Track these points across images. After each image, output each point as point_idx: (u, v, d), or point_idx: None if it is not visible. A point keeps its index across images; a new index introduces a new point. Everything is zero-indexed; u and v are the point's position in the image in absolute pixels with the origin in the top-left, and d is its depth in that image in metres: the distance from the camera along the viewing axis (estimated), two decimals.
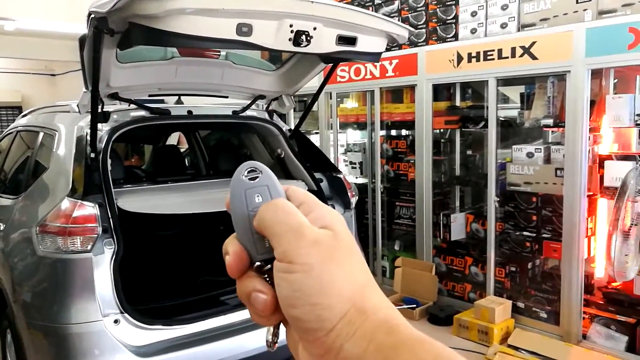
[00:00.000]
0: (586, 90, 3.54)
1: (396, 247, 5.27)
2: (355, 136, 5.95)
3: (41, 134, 3.16)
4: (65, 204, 2.37)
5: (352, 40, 2.32)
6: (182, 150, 4.59)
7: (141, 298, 2.56)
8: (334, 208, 3.07)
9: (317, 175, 3.23)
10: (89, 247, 2.30)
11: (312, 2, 2.14)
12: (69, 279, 2.30)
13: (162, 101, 3.29)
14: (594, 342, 3.71)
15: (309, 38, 2.15)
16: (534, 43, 3.76)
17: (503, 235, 4.26)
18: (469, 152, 5.08)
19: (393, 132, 5.34)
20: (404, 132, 5.27)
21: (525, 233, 4.13)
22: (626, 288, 3.77)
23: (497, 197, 4.22)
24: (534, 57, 3.78)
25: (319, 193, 3.17)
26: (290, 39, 2.14)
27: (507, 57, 3.94)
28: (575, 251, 3.69)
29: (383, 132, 5.20)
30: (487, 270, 4.31)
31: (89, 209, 2.33)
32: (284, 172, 3.41)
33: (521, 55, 3.85)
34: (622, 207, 2.68)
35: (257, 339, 2.56)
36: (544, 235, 4.03)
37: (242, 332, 2.54)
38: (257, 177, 0.55)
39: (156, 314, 2.48)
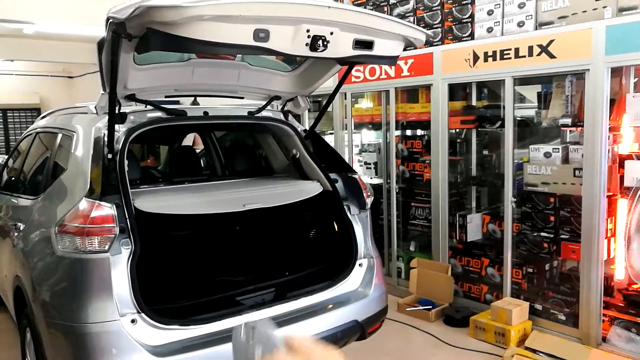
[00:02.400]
0: (606, 88, 3.49)
1: (411, 248, 5.24)
2: (369, 136, 5.93)
3: (60, 135, 3.20)
4: (83, 205, 2.39)
5: (369, 44, 2.32)
6: (197, 151, 4.62)
7: (157, 298, 2.58)
8: (349, 209, 3.07)
9: (332, 175, 3.23)
10: (107, 247, 2.32)
11: (328, 7, 2.14)
12: (87, 279, 2.32)
13: (177, 102, 3.31)
14: (614, 345, 3.65)
15: (325, 43, 2.16)
16: (552, 41, 3.71)
17: (520, 236, 4.21)
18: (485, 152, 5.03)
19: (408, 132, 5.31)
20: (419, 132, 5.23)
21: (542, 234, 4.08)
22: None
23: (514, 197, 4.16)
24: (552, 56, 3.73)
25: (334, 193, 3.16)
26: (307, 44, 2.15)
27: (525, 56, 3.89)
28: (595, 252, 3.63)
29: (398, 132, 5.17)
30: (503, 271, 4.26)
31: (107, 209, 2.35)
32: (299, 172, 3.41)
33: (539, 54, 3.80)
34: None
35: None
36: (562, 236, 3.97)
37: None
38: (254, 334, 0.62)
39: (173, 314, 2.49)
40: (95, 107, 2.71)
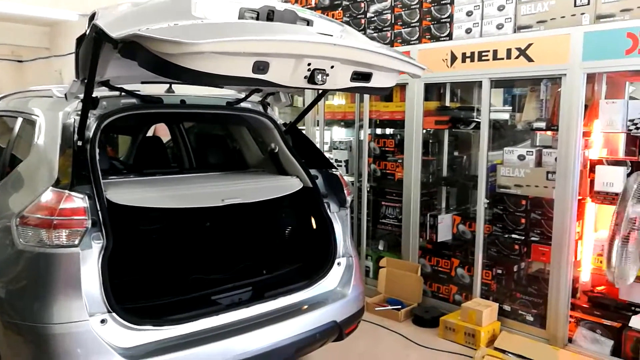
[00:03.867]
0: (582, 94, 3.54)
1: (380, 247, 5.21)
2: (340, 134, 5.86)
3: (19, 120, 2.96)
4: (50, 195, 2.20)
5: (367, 77, 2.30)
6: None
7: (128, 296, 2.41)
8: (329, 206, 2.99)
9: (312, 171, 3.13)
10: (76, 241, 2.14)
11: (334, 44, 2.08)
12: (52, 275, 2.13)
13: (172, 92, 3.11)
14: (580, 346, 3.72)
15: (325, 76, 2.12)
16: (530, 45, 3.75)
17: (491, 238, 4.24)
18: (456, 154, 5.05)
19: (379, 131, 5.27)
20: (391, 131, 5.21)
21: (513, 236, 4.12)
22: (611, 292, 3.80)
23: (487, 199, 4.19)
24: (529, 59, 3.76)
25: (314, 190, 3.06)
26: (305, 77, 2.10)
27: (503, 59, 3.91)
28: (565, 255, 3.69)
29: (370, 131, 5.12)
30: (474, 272, 4.29)
31: (78, 200, 2.17)
32: (276, 167, 3.29)
33: (517, 57, 3.83)
34: (623, 212, 2.67)
35: (251, 341, 2.44)
36: (533, 239, 4.02)
37: (236, 334, 2.42)
38: None
39: (146, 314, 2.33)
40: (65, 94, 2.51)
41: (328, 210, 3.04)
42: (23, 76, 11.98)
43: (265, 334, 2.47)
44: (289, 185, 3.03)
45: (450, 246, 4.64)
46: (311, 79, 2.10)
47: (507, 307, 4.15)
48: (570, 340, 3.76)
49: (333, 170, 3.15)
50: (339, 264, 3.03)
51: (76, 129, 2.38)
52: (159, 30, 1.75)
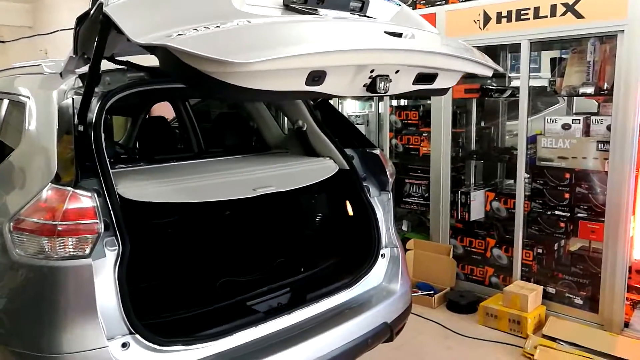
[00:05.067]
0: None
1: (404, 228, 4.85)
2: (353, 106, 5.44)
3: (4, 103, 2.52)
4: (50, 194, 1.78)
5: (431, 78, 1.98)
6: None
7: (149, 309, 2.02)
8: (368, 190, 2.60)
9: (348, 151, 2.73)
10: (87, 250, 1.73)
11: (406, 50, 1.75)
12: (59, 293, 1.73)
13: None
14: (638, 331, 3.41)
15: (387, 84, 1.79)
16: None
17: (532, 215, 3.89)
18: (482, 124, 4.66)
19: (400, 102, 4.85)
20: (414, 102, 4.79)
21: (557, 212, 3.77)
22: None
23: (527, 173, 3.82)
24: (579, 16, 3.34)
25: (351, 172, 2.67)
26: (365, 85, 1.78)
27: (546, 16, 3.49)
28: (622, 233, 3.34)
29: (390, 102, 4.70)
30: (513, 253, 3.94)
31: (86, 199, 1.75)
32: (304, 148, 2.88)
33: (563, 14, 3.41)
34: None
35: (298, 356, 2.07)
36: (580, 215, 3.67)
37: (281, 348, 2.05)
38: None
39: (173, 330, 1.95)
40: (60, 73, 2.08)
41: (368, 195, 2.65)
42: (6, 58, 11.31)
43: (314, 345, 2.11)
44: (324, 168, 2.62)
45: (484, 225, 4.28)
46: (371, 87, 1.78)
47: (551, 290, 3.82)
48: (626, 325, 3.45)
49: (372, 149, 2.74)
50: (382, 255, 2.65)
51: (76, 111, 1.95)
52: (198, 41, 1.37)
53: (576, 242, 3.91)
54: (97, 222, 1.74)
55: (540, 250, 3.92)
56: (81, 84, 2.12)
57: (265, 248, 2.83)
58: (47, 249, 1.72)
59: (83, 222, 1.72)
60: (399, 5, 2.12)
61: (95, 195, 1.76)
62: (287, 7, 1.77)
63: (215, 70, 1.37)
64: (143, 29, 1.43)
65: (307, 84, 1.59)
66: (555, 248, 3.92)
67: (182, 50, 1.31)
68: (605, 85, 3.56)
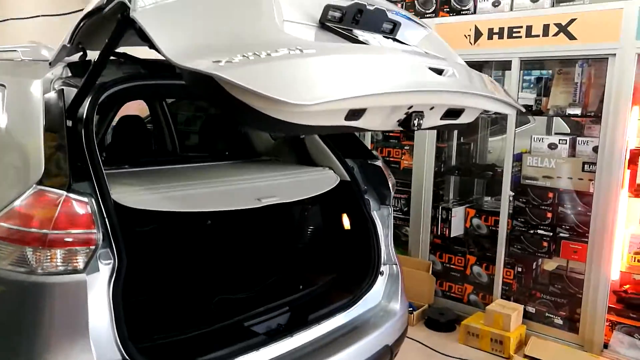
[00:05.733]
0: (632, 77, 3.18)
1: None
2: None
3: None
4: (34, 198, 1.54)
5: (457, 114, 1.94)
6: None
7: (141, 329, 1.79)
8: (368, 204, 2.47)
9: (347, 161, 2.59)
10: (82, 264, 1.50)
11: (448, 91, 1.69)
12: (43, 314, 1.49)
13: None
14: (617, 352, 3.43)
15: (420, 120, 1.74)
16: (572, 20, 3.34)
17: (514, 233, 3.87)
18: (462, 139, 4.64)
19: None
20: None
21: (539, 232, 3.77)
22: None
23: (512, 191, 3.80)
24: (571, 37, 3.36)
25: (352, 184, 2.53)
26: (399, 120, 1.72)
27: (538, 35, 3.50)
28: (607, 254, 3.36)
29: None
30: (495, 271, 3.91)
31: (81, 206, 1.52)
32: (297, 156, 2.72)
33: (555, 34, 3.42)
34: None
35: None
36: (562, 235, 3.68)
37: None
38: None
39: (169, 355, 1.73)
40: (50, 62, 1.84)
41: (369, 209, 2.52)
42: None
43: None
44: (326, 179, 2.47)
45: (463, 241, 4.24)
46: (405, 123, 1.71)
47: (530, 309, 3.81)
48: (605, 346, 3.46)
49: (374, 160, 2.62)
50: (381, 273, 2.52)
51: (66, 105, 1.71)
52: (252, 73, 1.21)
53: (553, 262, 3.92)
54: (95, 232, 1.52)
55: (520, 269, 3.91)
56: (70, 74, 1.89)
57: (258, 261, 2.64)
58: (31, 261, 1.48)
59: (78, 231, 1.49)
60: (425, 28, 2.05)
61: (93, 201, 1.54)
62: (323, 26, 1.69)
63: (266, 107, 1.23)
64: (184, 49, 1.25)
65: (346, 119, 1.49)
66: (534, 267, 3.92)
67: (238, 85, 1.15)
68: (589, 108, 3.61)
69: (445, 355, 3.57)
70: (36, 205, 1.52)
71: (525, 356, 3.47)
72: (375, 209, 2.58)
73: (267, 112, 1.25)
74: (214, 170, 2.42)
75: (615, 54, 3.21)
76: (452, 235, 4.22)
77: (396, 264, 2.59)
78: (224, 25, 1.41)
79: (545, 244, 3.72)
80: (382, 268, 2.53)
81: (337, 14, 1.71)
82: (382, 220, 2.59)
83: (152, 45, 1.30)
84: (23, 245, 1.47)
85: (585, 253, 3.52)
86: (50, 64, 1.81)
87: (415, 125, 1.70)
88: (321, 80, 1.31)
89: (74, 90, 1.79)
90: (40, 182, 1.55)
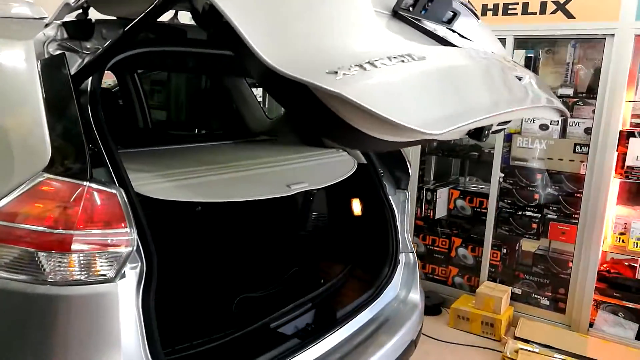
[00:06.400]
0: (630, 58, 3.16)
1: None
2: None
3: None
4: (45, 189, 1.23)
5: (507, 121, 1.90)
6: None
7: (163, 339, 1.53)
8: (385, 188, 2.30)
9: None
10: (112, 271, 1.22)
11: (531, 107, 1.61)
12: (59, 336, 1.20)
13: None
14: (602, 331, 3.49)
15: (489, 131, 1.63)
16: None
17: (502, 215, 3.83)
18: None
19: None
20: None
21: (527, 213, 3.75)
22: (625, 272, 3.61)
23: (502, 172, 3.75)
24: (569, 15, 3.30)
25: (369, 167, 2.33)
26: (470, 131, 1.59)
27: (535, 13, 3.41)
28: (597, 236, 3.38)
29: None
30: (481, 253, 3.87)
31: (108, 198, 1.23)
32: (305, 137, 2.48)
33: (553, 12, 3.34)
34: None
35: None
36: (550, 216, 3.68)
37: None
38: None
39: None
40: (47, 23, 1.50)
41: (387, 193, 2.34)
42: None
43: None
44: (344, 161, 2.26)
45: (447, 223, 4.17)
46: (476, 134, 1.58)
47: (517, 291, 3.80)
48: (590, 325, 3.51)
49: None
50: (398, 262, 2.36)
51: (70, 71, 1.39)
52: (369, 90, 0.98)
53: (534, 243, 3.93)
54: (128, 231, 1.23)
55: (505, 251, 3.89)
56: (66, 35, 1.55)
57: (272, 252, 2.40)
58: (45, 269, 1.18)
59: (109, 231, 1.20)
60: (476, 17, 1.88)
61: (123, 192, 1.25)
62: (395, 15, 1.48)
63: (377, 129, 1.03)
64: (285, 51, 0.99)
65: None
66: (522, 248, 3.92)
67: (362, 107, 0.91)
68: (579, 89, 3.59)
69: (438, 340, 3.50)
70: (47, 199, 1.21)
71: (516, 338, 3.46)
72: (391, 193, 2.40)
73: (372, 133, 1.04)
74: (221, 151, 2.15)
75: (613, 34, 3.17)
76: (436, 217, 4.14)
77: (413, 252, 2.44)
78: (317, 16, 1.14)
79: (534, 225, 3.71)
80: (400, 256, 2.37)
81: (411, 1, 1.51)
82: (398, 205, 2.41)
83: (216, 34, 1.03)
84: (27, 247, 1.17)
85: (573, 234, 3.53)
86: (45, 25, 1.47)
87: (485, 135, 1.57)
88: (443, 99, 1.12)
89: (75, 56, 1.47)
90: (48, 169, 1.24)
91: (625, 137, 3.34)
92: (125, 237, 1.23)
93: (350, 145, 1.70)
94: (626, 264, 3.65)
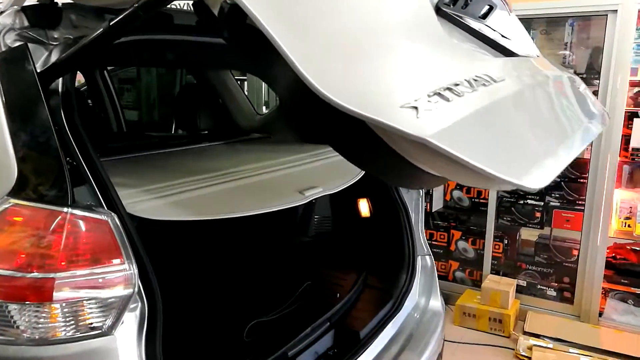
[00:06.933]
0: (633, 35, 3.01)
1: None
2: None
3: None
4: (15, 215, 0.95)
5: None
6: None
7: None
8: (397, 187, 2.07)
9: None
10: (109, 319, 0.95)
11: None
12: None
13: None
14: (612, 319, 3.37)
15: None
16: None
17: (503, 205, 3.67)
18: None
19: None
20: None
21: (529, 202, 3.59)
22: (631, 257, 3.50)
23: None
24: None
25: None
26: None
27: None
28: (605, 222, 3.24)
29: None
30: (483, 245, 3.70)
31: (98, 226, 0.96)
32: (303, 134, 2.23)
33: None
34: None
35: None
36: (552, 204, 3.53)
37: None
38: None
39: None
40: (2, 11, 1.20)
41: (400, 193, 2.11)
42: None
43: None
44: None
45: (444, 216, 3.98)
46: None
47: (522, 282, 3.65)
48: (600, 314, 3.39)
49: None
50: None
51: (35, 66, 1.11)
52: (458, 132, 0.73)
53: (534, 232, 3.78)
54: (126, 266, 0.96)
55: (507, 242, 3.73)
56: (26, 23, 1.25)
57: (279, 264, 2.13)
58: (18, 325, 0.91)
59: (100, 269, 0.93)
60: (507, 9, 1.63)
61: (115, 217, 0.98)
62: (438, 11, 1.22)
63: (463, 178, 0.80)
64: (337, 73, 0.73)
65: None
66: (522, 237, 3.76)
67: (462, 160, 0.67)
68: (577, 70, 3.43)
69: (445, 340, 3.31)
70: (15, 232, 0.93)
71: (526, 333, 3.31)
72: (403, 192, 2.17)
73: (446, 176, 0.83)
74: (214, 155, 1.87)
75: (616, 10, 3.01)
76: (433, 210, 3.94)
77: (430, 255, 2.22)
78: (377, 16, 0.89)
79: (537, 214, 3.55)
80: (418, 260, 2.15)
81: None
82: (411, 204, 2.19)
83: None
84: (9, 301, 0.89)
85: (578, 221, 3.39)
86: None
87: None
88: (533, 135, 0.90)
89: (40, 48, 1.18)
90: (15, 194, 0.96)
91: (627, 118, 3.21)
92: (122, 275, 0.96)
93: (402, 184, 1.47)
94: (629, 248, 3.54)
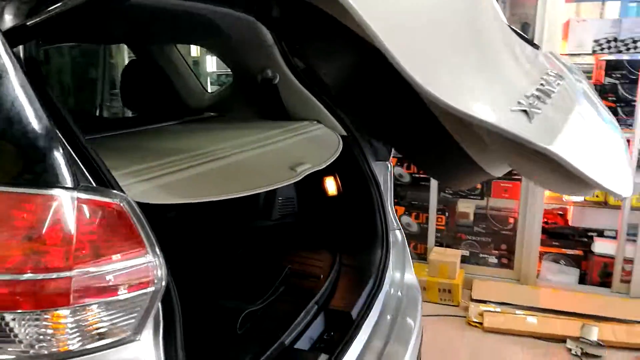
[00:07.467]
0: (563, 7, 3.17)
1: None
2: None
3: None
4: (4, 203, 0.76)
5: None
6: None
7: None
8: (369, 160, 2.04)
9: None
10: (133, 324, 0.79)
11: None
12: None
13: None
14: (548, 280, 3.60)
15: None
16: None
17: None
18: None
19: None
20: None
21: None
22: (559, 221, 3.74)
23: None
24: None
25: (351, 138, 2.02)
26: None
27: None
28: (541, 190, 3.42)
29: None
30: (427, 219, 3.78)
31: (109, 209, 0.79)
32: (264, 109, 2.10)
33: None
34: None
35: None
36: None
37: None
38: None
39: None
40: None
41: (372, 167, 2.06)
42: None
43: None
44: (327, 135, 1.92)
45: None
46: None
47: (465, 252, 3.78)
48: (537, 276, 3.60)
49: None
50: None
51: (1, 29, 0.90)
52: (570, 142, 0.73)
53: (469, 203, 3.92)
54: (151, 258, 0.80)
55: (448, 214, 3.83)
56: None
57: (252, 247, 1.99)
58: (19, 338, 0.73)
59: (119, 264, 0.76)
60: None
61: (126, 204, 0.81)
62: None
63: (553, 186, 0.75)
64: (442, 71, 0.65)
65: None
66: (459, 209, 3.88)
67: (581, 174, 0.61)
68: None
69: None
70: (6, 224, 0.74)
71: (473, 300, 3.43)
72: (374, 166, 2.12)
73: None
74: (182, 135, 1.70)
75: None
76: None
77: (400, 229, 2.19)
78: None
79: (478, 185, 3.67)
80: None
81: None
82: (380, 179, 2.14)
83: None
84: (13, 310, 0.70)
85: (516, 190, 3.55)
86: None
87: None
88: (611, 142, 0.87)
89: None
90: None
91: None
92: (147, 268, 0.80)
93: (460, 184, 1.40)
94: (556, 212, 3.77)
